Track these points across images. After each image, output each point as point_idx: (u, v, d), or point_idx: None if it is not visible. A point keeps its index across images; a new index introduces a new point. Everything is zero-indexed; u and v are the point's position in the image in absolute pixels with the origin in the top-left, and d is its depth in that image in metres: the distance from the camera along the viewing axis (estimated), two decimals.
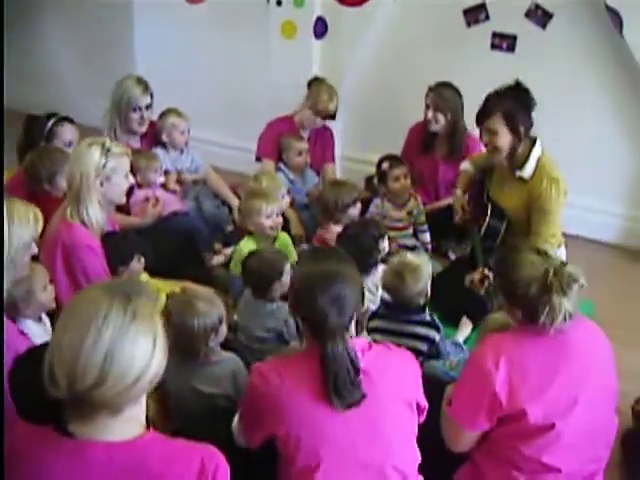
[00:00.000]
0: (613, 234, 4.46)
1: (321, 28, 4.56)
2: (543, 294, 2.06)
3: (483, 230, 3.47)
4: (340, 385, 1.86)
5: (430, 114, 4.02)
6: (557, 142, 3.39)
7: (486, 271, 3.14)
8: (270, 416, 1.93)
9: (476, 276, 3.18)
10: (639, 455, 2.67)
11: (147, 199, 3.77)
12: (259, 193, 3.48)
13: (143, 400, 1.54)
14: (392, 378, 1.99)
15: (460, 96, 4.01)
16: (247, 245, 3.40)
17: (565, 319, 2.08)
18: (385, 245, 3.33)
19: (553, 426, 2.09)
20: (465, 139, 4.10)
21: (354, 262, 2.12)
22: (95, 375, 1.38)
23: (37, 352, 1.81)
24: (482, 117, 3.26)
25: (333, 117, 4.27)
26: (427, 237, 4.02)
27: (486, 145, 3.33)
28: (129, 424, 1.49)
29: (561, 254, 3.41)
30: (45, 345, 1.69)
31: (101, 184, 2.86)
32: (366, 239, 3.20)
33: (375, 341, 2.28)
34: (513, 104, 3.19)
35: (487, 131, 3.25)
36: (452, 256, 4.07)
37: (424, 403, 2.08)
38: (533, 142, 3.28)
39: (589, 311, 3.53)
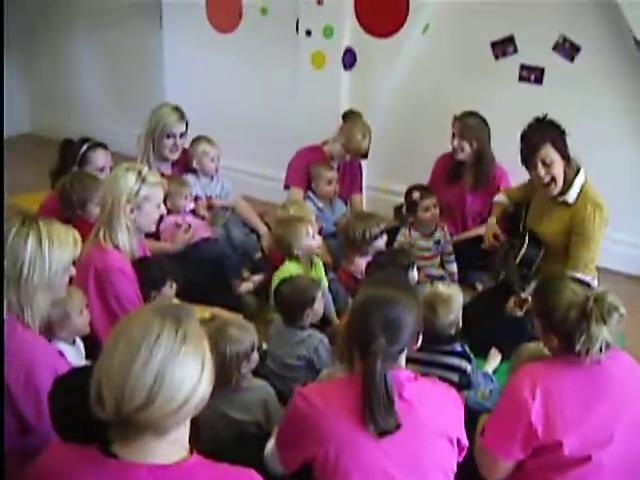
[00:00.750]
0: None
1: (350, 59, 4.61)
2: (582, 321, 2.06)
3: (519, 259, 3.47)
4: (375, 410, 1.86)
5: (456, 142, 4.05)
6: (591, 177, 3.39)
7: (523, 295, 3.12)
8: (311, 438, 1.92)
9: (514, 300, 3.16)
10: None
11: (177, 225, 3.80)
12: (298, 218, 3.50)
13: (187, 423, 1.54)
14: (435, 412, 1.97)
15: (486, 125, 4.04)
16: (294, 268, 3.39)
17: (602, 349, 2.07)
18: (415, 274, 3.34)
19: (589, 458, 2.07)
20: (493, 169, 4.11)
21: (415, 293, 2.12)
22: (144, 396, 1.38)
23: (78, 373, 1.83)
24: (532, 151, 3.26)
25: (365, 156, 4.30)
26: (454, 267, 4.02)
27: (543, 181, 3.29)
28: (173, 447, 1.49)
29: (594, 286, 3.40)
30: (85, 367, 1.71)
31: (132, 211, 2.88)
32: (395, 268, 3.21)
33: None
34: (553, 132, 3.22)
35: (542, 163, 3.24)
36: (479, 287, 4.06)
37: (465, 441, 2.06)
38: (577, 169, 3.30)
39: (620, 343, 3.50)
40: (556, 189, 3.31)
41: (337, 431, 1.89)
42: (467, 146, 4.03)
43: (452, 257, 4.03)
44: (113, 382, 1.40)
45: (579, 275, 2.81)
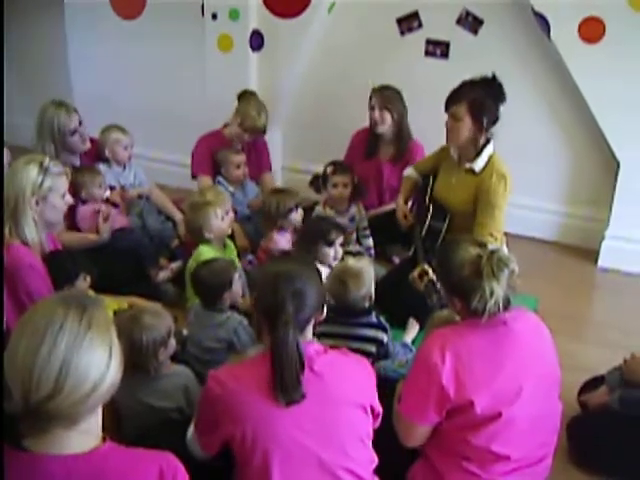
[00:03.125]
0: (551, 231, 4.60)
1: (257, 41, 4.58)
2: (475, 278, 2.13)
3: (424, 231, 3.54)
4: (286, 378, 1.89)
5: (377, 114, 4.07)
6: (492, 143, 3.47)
7: (425, 267, 3.19)
8: (227, 419, 1.94)
9: (416, 272, 3.23)
10: (584, 441, 2.76)
11: (97, 212, 3.73)
12: (205, 201, 3.45)
13: (99, 411, 1.53)
14: (346, 382, 2.01)
15: (402, 96, 4.10)
16: (207, 251, 3.36)
17: (499, 306, 2.14)
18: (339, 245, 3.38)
19: (500, 415, 2.14)
20: (410, 143, 4.17)
21: (317, 270, 2.14)
22: (51, 385, 1.37)
23: None
24: (450, 102, 3.31)
25: (263, 132, 4.27)
26: (370, 242, 4.07)
27: (447, 131, 3.36)
28: (85, 436, 1.48)
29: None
30: None
31: (37, 203, 2.81)
32: (324, 236, 3.29)
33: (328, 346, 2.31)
34: (482, 95, 3.25)
35: (452, 116, 3.30)
36: (396, 260, 4.13)
37: (379, 409, 2.11)
38: (487, 140, 3.36)
39: (533, 306, 3.64)
40: (453, 141, 3.38)
41: (251, 409, 1.91)
42: (388, 117, 4.07)
43: (367, 232, 4.07)
44: (19, 373, 1.38)
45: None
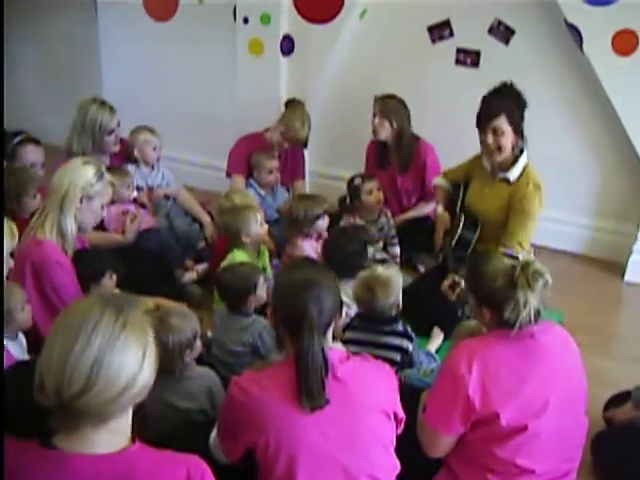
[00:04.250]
0: (578, 244, 4.56)
1: (288, 45, 4.60)
2: (509, 288, 2.12)
3: (455, 240, 3.52)
4: (312, 383, 1.88)
5: (377, 121, 4.10)
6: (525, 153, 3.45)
7: (457, 277, 3.18)
8: (249, 426, 1.94)
9: (447, 282, 3.22)
10: (609, 457, 2.72)
11: (124, 213, 3.76)
12: (246, 206, 3.48)
13: (130, 412, 1.53)
14: (369, 388, 2.01)
15: (406, 106, 4.10)
16: (241, 256, 3.37)
17: (531, 318, 2.13)
18: (371, 252, 3.37)
19: (526, 428, 2.13)
20: (416, 147, 4.18)
21: (333, 273, 2.15)
22: (82, 382, 1.38)
23: (23, 367, 1.83)
24: (487, 118, 3.29)
25: (304, 145, 4.33)
26: (397, 250, 4.07)
27: (489, 147, 3.33)
28: (114, 436, 1.49)
29: None
30: (29, 360, 1.70)
31: (81, 201, 2.88)
32: (355, 244, 3.27)
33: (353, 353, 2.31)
34: (513, 104, 3.25)
35: (493, 132, 3.27)
36: (421, 268, 4.12)
37: (402, 415, 2.10)
38: (521, 150, 3.35)
39: (559, 319, 3.61)
40: (500, 157, 3.33)
41: (274, 417, 1.91)
42: (387, 125, 4.08)
43: (395, 240, 4.08)
44: (53, 369, 1.40)
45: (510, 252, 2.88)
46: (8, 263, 2.32)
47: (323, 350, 1.92)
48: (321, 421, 1.91)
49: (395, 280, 2.86)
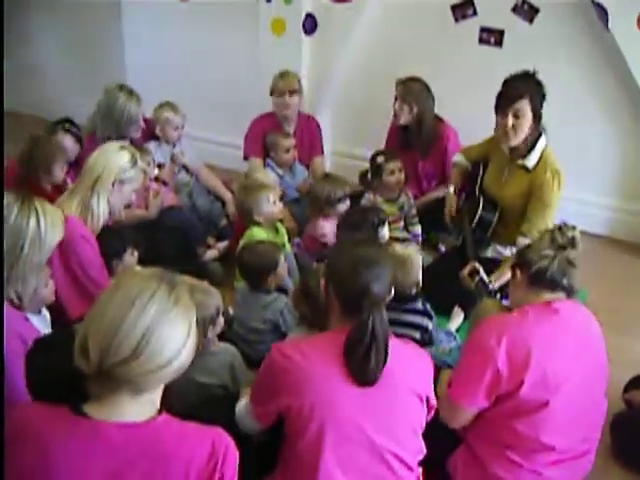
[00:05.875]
0: (601, 225, 4.52)
1: (310, 25, 4.58)
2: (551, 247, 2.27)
3: (475, 222, 3.52)
4: (371, 355, 1.90)
5: (397, 105, 4.07)
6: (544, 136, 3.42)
7: (476, 265, 3.18)
8: (287, 389, 1.96)
9: (466, 270, 3.22)
10: (628, 438, 2.73)
11: (146, 189, 3.80)
12: (259, 185, 3.50)
13: (161, 388, 1.58)
14: (407, 370, 2.04)
15: (429, 90, 4.06)
16: (259, 233, 3.41)
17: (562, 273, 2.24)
18: (385, 232, 3.37)
19: (547, 403, 2.15)
20: (438, 130, 4.14)
21: (388, 250, 2.18)
22: (131, 349, 1.42)
23: (56, 336, 1.91)
24: (509, 99, 3.24)
25: (295, 92, 4.25)
26: (418, 229, 4.08)
27: (507, 130, 3.27)
28: (145, 407, 1.53)
29: None
30: (64, 331, 1.74)
31: (113, 185, 2.94)
32: (366, 226, 3.26)
33: None
34: (536, 90, 3.23)
35: (514, 113, 3.23)
36: (442, 248, 4.12)
37: (434, 401, 2.12)
38: (539, 134, 3.32)
39: (583, 298, 3.59)
40: (514, 141, 3.29)
41: (314, 383, 1.94)
42: (407, 109, 4.04)
43: (416, 219, 4.07)
44: (102, 332, 1.44)
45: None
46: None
47: (387, 329, 1.95)
48: (358, 395, 1.94)
49: (414, 259, 2.86)
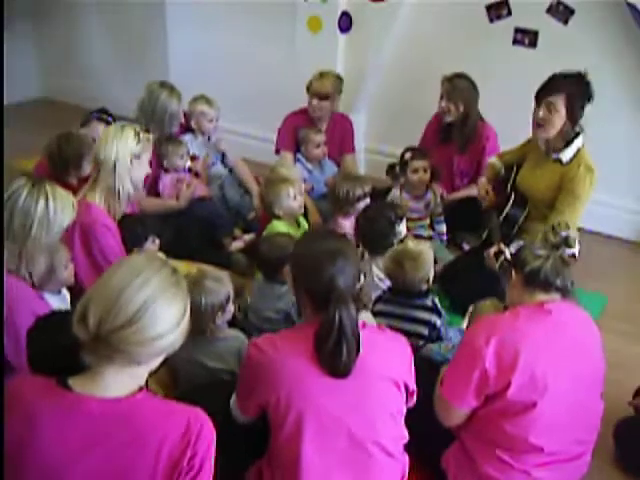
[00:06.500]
0: (629, 230, 4.48)
1: (346, 23, 4.65)
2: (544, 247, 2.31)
3: (502, 218, 3.54)
4: (343, 349, 1.93)
5: (444, 103, 4.08)
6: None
7: (502, 246, 3.18)
8: (264, 384, 2.02)
9: (492, 250, 3.23)
10: (631, 444, 2.70)
11: (178, 181, 3.93)
12: (281, 179, 3.58)
13: (151, 365, 1.66)
14: (380, 357, 2.06)
15: (475, 87, 4.06)
16: (280, 226, 3.49)
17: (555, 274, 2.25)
18: (402, 229, 3.39)
19: (535, 404, 2.16)
20: (478, 129, 4.15)
21: (352, 241, 2.21)
22: (128, 316, 1.52)
23: (57, 315, 2.00)
24: (546, 92, 3.28)
25: (324, 97, 4.28)
26: (443, 228, 4.10)
27: (538, 121, 3.31)
28: (129, 382, 1.61)
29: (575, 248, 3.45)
30: (66, 311, 1.85)
31: (131, 162, 3.06)
32: (383, 221, 3.30)
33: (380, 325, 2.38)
34: (577, 90, 3.24)
35: (546, 106, 3.26)
36: (466, 247, 4.13)
37: (413, 387, 2.14)
38: (577, 133, 3.33)
39: (601, 303, 3.58)
40: (544, 134, 3.32)
41: (287, 376, 1.99)
42: (453, 108, 4.06)
43: (441, 218, 4.10)
44: (104, 299, 1.54)
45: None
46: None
47: (355, 318, 1.98)
48: (331, 384, 1.98)
49: (425, 255, 2.89)
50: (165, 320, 1.57)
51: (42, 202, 2.35)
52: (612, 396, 2.63)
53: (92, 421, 1.56)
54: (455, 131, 4.20)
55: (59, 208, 2.40)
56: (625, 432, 2.73)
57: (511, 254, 2.67)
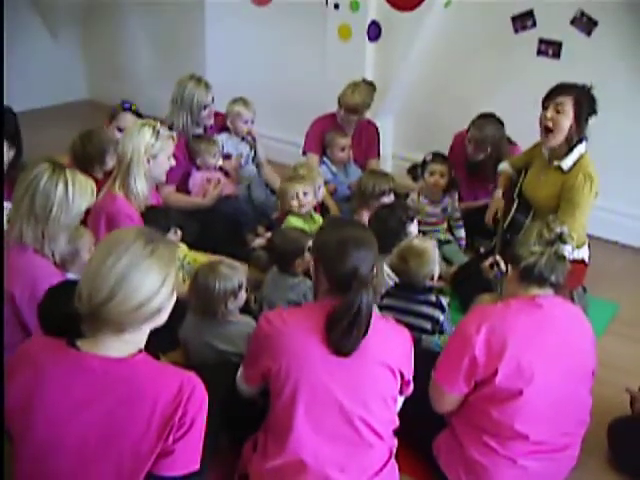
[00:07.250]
0: None
1: (375, 31, 4.79)
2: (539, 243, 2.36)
3: (507, 223, 3.62)
4: (354, 330, 2.07)
5: (470, 148, 4.18)
6: (601, 149, 3.51)
7: (498, 258, 3.27)
8: (269, 352, 2.16)
9: (487, 262, 3.32)
10: (623, 442, 2.74)
11: (208, 180, 4.10)
12: (290, 177, 3.77)
13: (145, 331, 1.81)
14: (381, 344, 2.18)
15: (502, 125, 4.12)
16: (295, 221, 3.66)
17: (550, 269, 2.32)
18: (413, 229, 3.47)
19: (521, 393, 2.24)
20: (508, 155, 4.17)
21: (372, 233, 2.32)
22: (106, 292, 1.68)
23: (67, 285, 2.19)
24: (555, 93, 3.35)
25: (355, 111, 4.38)
26: (462, 233, 4.20)
27: (546, 123, 3.37)
28: (127, 346, 1.77)
29: (583, 253, 3.52)
30: (74, 281, 2.04)
31: (148, 161, 3.23)
32: (394, 221, 3.40)
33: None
34: (584, 98, 3.31)
35: (555, 107, 3.33)
36: (482, 251, 4.20)
37: (409, 377, 2.26)
38: (580, 139, 3.39)
39: (612, 310, 3.62)
40: (553, 139, 3.38)
41: (290, 348, 2.13)
42: (482, 154, 4.17)
43: (460, 223, 4.19)
44: (88, 277, 1.72)
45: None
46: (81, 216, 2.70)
47: (372, 308, 2.11)
48: (330, 361, 2.11)
49: (429, 252, 3.00)
50: (142, 290, 1.70)
51: (61, 186, 2.52)
52: (620, 400, 2.77)
53: (94, 377, 1.72)
54: (483, 167, 4.26)
55: (77, 192, 2.56)
56: (618, 432, 2.77)
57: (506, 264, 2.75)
